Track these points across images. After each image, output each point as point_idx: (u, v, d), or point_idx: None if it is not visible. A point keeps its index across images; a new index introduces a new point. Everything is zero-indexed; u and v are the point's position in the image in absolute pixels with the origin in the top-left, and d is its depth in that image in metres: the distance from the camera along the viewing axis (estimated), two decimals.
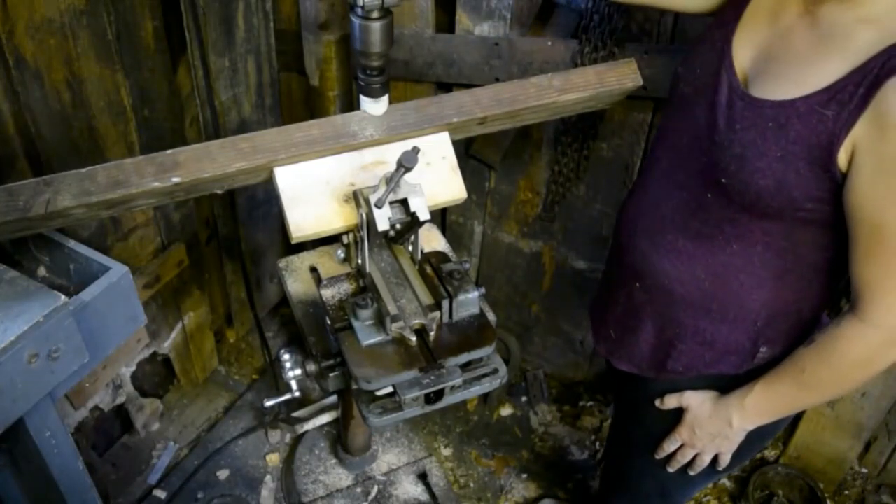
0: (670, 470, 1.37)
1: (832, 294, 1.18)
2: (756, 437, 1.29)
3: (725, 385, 1.24)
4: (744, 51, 1.10)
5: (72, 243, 1.24)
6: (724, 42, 1.12)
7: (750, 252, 1.11)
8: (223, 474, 2.21)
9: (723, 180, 1.07)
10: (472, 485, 2.25)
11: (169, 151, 1.27)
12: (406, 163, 1.14)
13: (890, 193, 0.91)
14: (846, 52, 0.95)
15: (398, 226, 1.25)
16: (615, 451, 1.61)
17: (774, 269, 1.12)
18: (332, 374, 1.34)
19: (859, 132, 0.92)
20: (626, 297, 1.32)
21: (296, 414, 2.34)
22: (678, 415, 1.31)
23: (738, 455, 1.32)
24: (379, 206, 1.19)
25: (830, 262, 1.10)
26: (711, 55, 1.13)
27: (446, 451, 2.34)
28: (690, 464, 1.35)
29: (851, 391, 1.23)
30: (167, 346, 2.22)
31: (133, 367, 2.14)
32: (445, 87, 2.02)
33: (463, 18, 1.92)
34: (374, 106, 1.30)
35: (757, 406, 1.18)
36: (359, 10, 1.15)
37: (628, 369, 1.36)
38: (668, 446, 1.34)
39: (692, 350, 1.24)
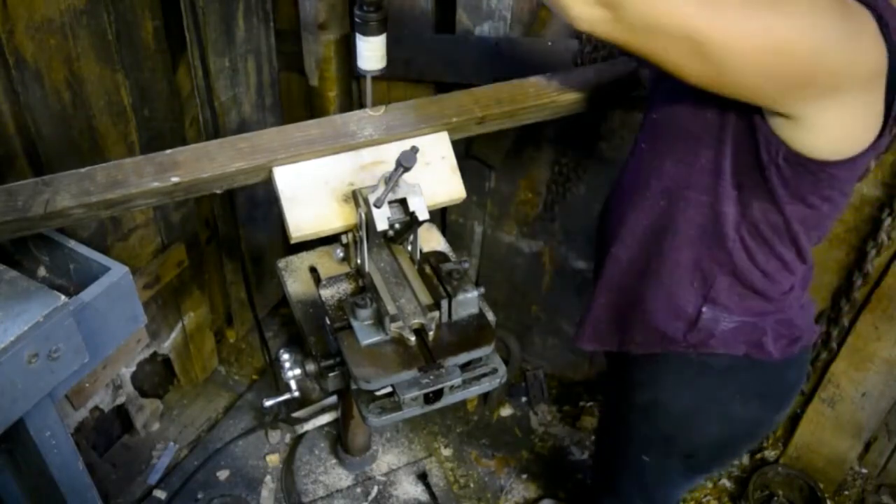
0: None
1: (777, 260, 1.14)
2: (742, 435, 1.30)
3: (678, 361, 1.24)
4: None
5: (72, 243, 1.24)
6: None
7: (674, 209, 1.12)
8: (223, 474, 2.21)
9: (654, 115, 1.11)
10: (472, 485, 2.25)
11: (168, 151, 1.27)
12: (405, 162, 1.14)
13: None
14: None
15: (397, 225, 1.25)
16: (601, 453, 1.63)
17: (699, 227, 1.11)
18: (331, 374, 1.34)
19: None
20: (596, 278, 1.33)
21: (296, 414, 2.34)
22: (659, 414, 1.31)
23: (720, 454, 1.34)
24: (378, 205, 1.19)
25: (759, 226, 1.09)
26: None
27: (446, 451, 2.34)
28: (664, 461, 1.36)
29: None
30: (167, 346, 2.22)
31: (133, 367, 2.15)
32: (445, 87, 2.01)
33: (463, 18, 1.92)
34: (369, 45, 1.28)
35: None
36: None
37: (592, 347, 1.37)
38: None
39: (641, 319, 1.24)
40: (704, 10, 0.84)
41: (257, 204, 2.33)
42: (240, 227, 2.29)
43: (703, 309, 1.17)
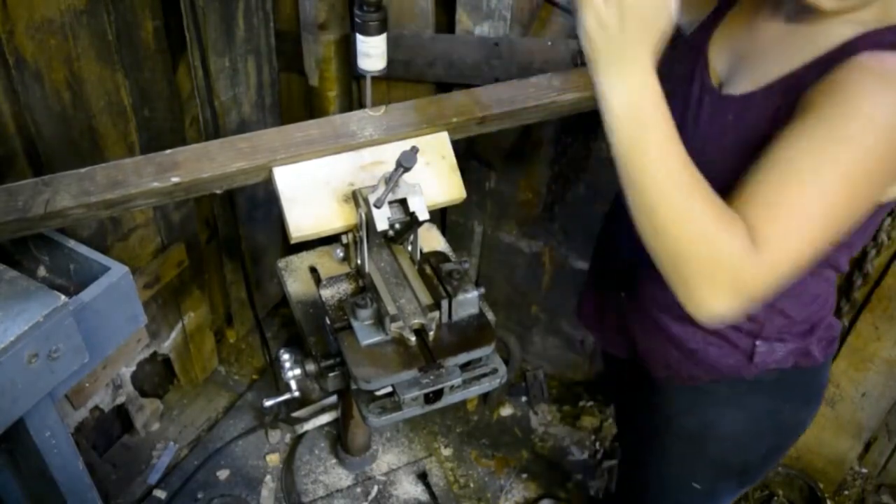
0: None
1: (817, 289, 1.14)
2: (792, 439, 1.27)
3: (726, 384, 1.22)
4: (720, 53, 1.10)
5: (72, 243, 1.24)
6: (702, 43, 1.12)
7: None
8: (223, 474, 2.21)
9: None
10: (472, 485, 2.25)
11: (168, 151, 1.27)
12: (405, 162, 1.14)
13: (803, 137, 0.86)
14: (810, 42, 0.94)
15: (397, 226, 1.25)
16: (631, 487, 1.53)
17: None
18: (331, 374, 1.34)
19: (806, 97, 0.89)
20: (617, 306, 1.28)
21: (296, 414, 2.34)
22: (710, 440, 1.26)
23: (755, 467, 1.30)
24: (378, 205, 1.19)
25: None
26: (688, 55, 1.14)
27: (446, 451, 2.34)
28: (717, 485, 1.31)
29: (645, 223, 0.91)
30: (167, 346, 2.22)
31: (133, 367, 2.15)
32: (445, 87, 2.02)
33: (463, 18, 1.92)
34: (369, 45, 1.28)
35: (617, 84, 0.88)
36: None
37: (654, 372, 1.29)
38: None
39: (688, 357, 1.20)
40: (813, 217, 0.84)
41: (257, 204, 2.33)
42: (240, 227, 2.29)
43: (757, 343, 1.15)
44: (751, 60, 1.03)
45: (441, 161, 1.38)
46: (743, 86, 1.02)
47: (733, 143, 0.99)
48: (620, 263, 1.25)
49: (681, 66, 1.14)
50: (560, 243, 2.25)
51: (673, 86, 1.13)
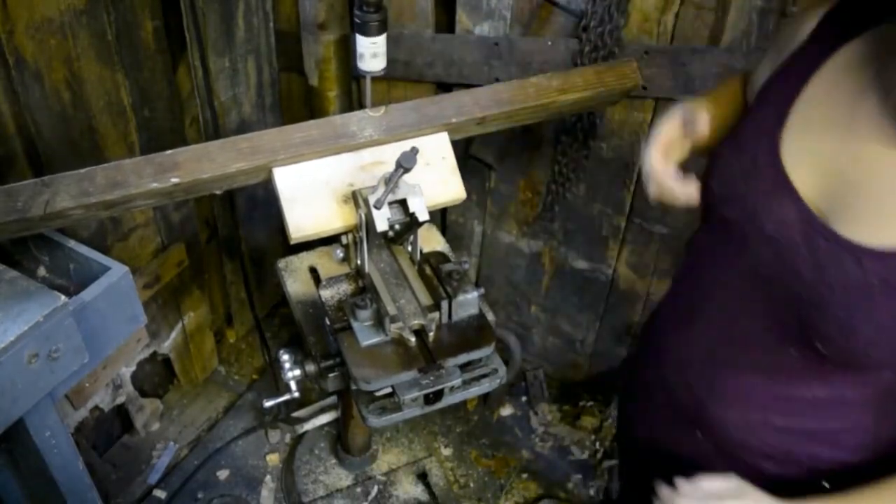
0: None
1: None
2: None
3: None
4: (803, 167, 0.84)
5: (72, 243, 1.25)
6: (770, 154, 0.86)
7: (836, 398, 0.92)
8: (223, 474, 2.21)
9: (818, 345, 0.84)
10: (472, 485, 2.25)
11: (168, 152, 1.27)
12: (405, 163, 1.14)
13: None
14: None
15: (397, 226, 1.25)
16: None
17: (865, 407, 0.91)
18: (331, 375, 1.34)
19: None
20: (688, 445, 1.08)
21: (296, 414, 2.34)
22: None
23: None
24: (378, 206, 1.19)
25: None
26: (755, 171, 0.88)
27: (446, 451, 2.34)
28: None
29: None
30: (167, 346, 2.22)
31: (133, 367, 2.15)
32: (445, 87, 2.02)
33: (463, 18, 1.92)
34: (369, 45, 1.29)
35: None
36: None
37: None
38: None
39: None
40: None
41: (257, 204, 2.33)
42: (240, 227, 2.29)
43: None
44: (872, 194, 0.79)
45: (441, 161, 1.38)
46: (872, 231, 0.78)
47: (888, 314, 0.78)
48: (691, 399, 1.05)
49: (748, 186, 0.89)
50: (560, 243, 2.25)
51: (744, 213, 0.90)
